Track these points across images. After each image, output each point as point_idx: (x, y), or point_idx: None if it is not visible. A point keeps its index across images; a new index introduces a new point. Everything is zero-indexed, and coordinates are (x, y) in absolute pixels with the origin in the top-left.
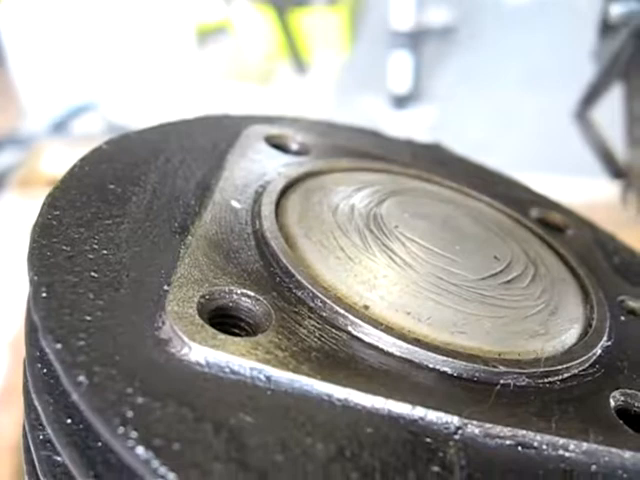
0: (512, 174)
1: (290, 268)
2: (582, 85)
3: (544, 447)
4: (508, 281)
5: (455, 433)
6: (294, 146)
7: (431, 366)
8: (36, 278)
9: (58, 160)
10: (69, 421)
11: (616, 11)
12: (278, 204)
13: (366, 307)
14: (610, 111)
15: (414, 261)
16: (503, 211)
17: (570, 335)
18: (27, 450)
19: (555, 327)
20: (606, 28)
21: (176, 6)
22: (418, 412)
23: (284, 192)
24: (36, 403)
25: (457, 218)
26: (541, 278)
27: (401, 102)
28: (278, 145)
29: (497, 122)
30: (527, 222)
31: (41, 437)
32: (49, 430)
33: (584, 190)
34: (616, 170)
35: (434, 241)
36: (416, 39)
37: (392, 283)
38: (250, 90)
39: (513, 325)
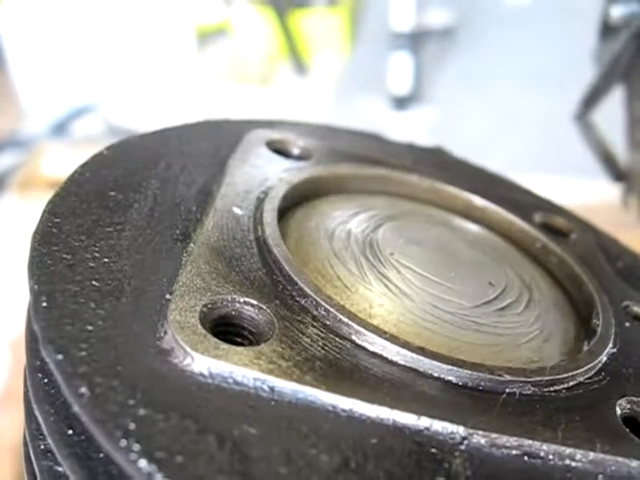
0: (513, 175)
1: (293, 276)
2: (583, 87)
3: (550, 457)
4: (502, 308)
5: (461, 443)
6: (295, 151)
7: (436, 375)
8: (36, 287)
9: (58, 162)
10: (70, 432)
11: (617, 12)
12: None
13: None
14: (611, 113)
15: (409, 289)
16: (498, 229)
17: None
18: (28, 459)
19: (549, 354)
20: (607, 30)
21: (176, 8)
22: (423, 422)
23: (282, 215)
24: (37, 413)
25: (452, 242)
26: (535, 304)
27: (401, 103)
28: (279, 150)
29: (498, 123)
30: (524, 237)
31: (42, 447)
32: (50, 440)
33: (585, 192)
34: (617, 173)
35: (429, 268)
36: (416, 40)
37: (388, 312)
38: (250, 92)
39: (507, 353)
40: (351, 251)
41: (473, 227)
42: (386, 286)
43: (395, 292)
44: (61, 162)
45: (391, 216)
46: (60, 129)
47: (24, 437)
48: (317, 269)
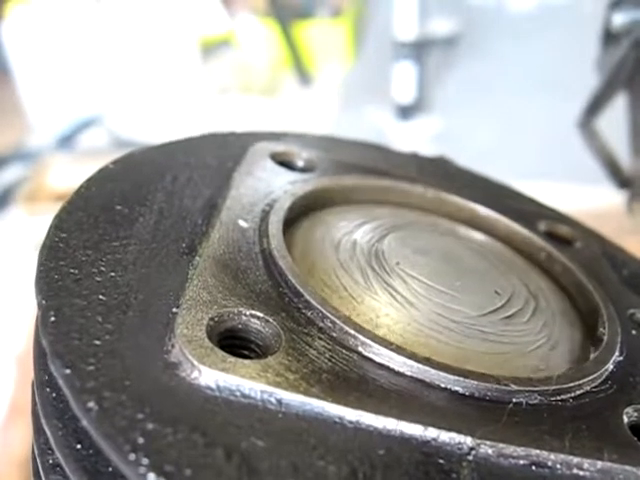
0: (517, 183)
1: (299, 288)
2: (587, 93)
3: (558, 466)
4: (509, 316)
5: (468, 454)
6: (300, 163)
7: (443, 386)
8: (44, 302)
9: (64, 175)
10: (79, 446)
11: (619, 20)
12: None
13: None
14: (614, 120)
15: (415, 299)
16: (503, 238)
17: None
18: (36, 474)
19: (556, 362)
20: (609, 37)
21: (180, 20)
22: (430, 433)
23: (287, 227)
24: (45, 427)
25: (457, 252)
26: (541, 312)
27: (406, 112)
28: (284, 162)
29: (502, 131)
30: (529, 246)
31: (50, 461)
32: (59, 455)
33: (589, 198)
34: (621, 179)
35: (435, 277)
36: (420, 49)
37: (394, 322)
38: (254, 102)
39: (514, 361)
40: (357, 261)
41: (478, 236)
42: (392, 296)
43: (401, 302)
44: (67, 175)
45: (396, 226)
46: (66, 142)
47: (32, 452)
48: (323, 280)
